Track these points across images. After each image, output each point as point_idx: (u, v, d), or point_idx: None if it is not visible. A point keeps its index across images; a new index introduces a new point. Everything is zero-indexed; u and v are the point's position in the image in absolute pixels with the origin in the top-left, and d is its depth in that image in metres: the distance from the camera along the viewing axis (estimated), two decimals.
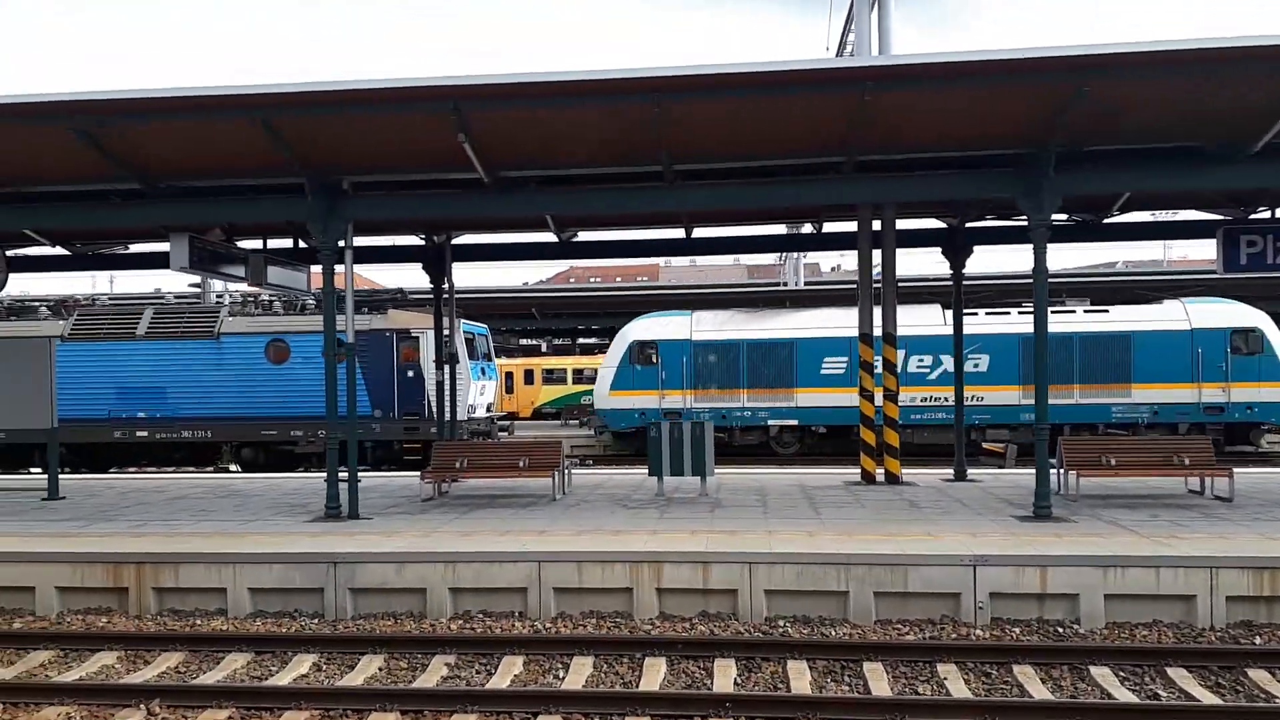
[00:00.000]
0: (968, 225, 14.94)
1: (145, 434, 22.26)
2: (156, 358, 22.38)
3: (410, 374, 21.29)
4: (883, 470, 14.76)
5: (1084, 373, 23.85)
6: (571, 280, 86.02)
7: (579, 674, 7.80)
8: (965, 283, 15.90)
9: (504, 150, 11.00)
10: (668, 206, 11.86)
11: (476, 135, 10.48)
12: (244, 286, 16.76)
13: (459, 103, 9.92)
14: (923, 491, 13.55)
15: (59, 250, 16.06)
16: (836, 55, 20.21)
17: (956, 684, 7.42)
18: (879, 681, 7.53)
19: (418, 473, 14.81)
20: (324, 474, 12.02)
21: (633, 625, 8.96)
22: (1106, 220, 14.54)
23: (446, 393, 16.20)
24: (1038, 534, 9.93)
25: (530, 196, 11.69)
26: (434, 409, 19.67)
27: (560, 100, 9.97)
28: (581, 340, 40.00)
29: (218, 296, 26.62)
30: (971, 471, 15.94)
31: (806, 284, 35.24)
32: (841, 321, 24.89)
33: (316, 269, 24.92)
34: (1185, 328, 23.88)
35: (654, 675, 7.73)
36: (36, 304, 24.53)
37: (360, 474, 17.73)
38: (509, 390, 37.24)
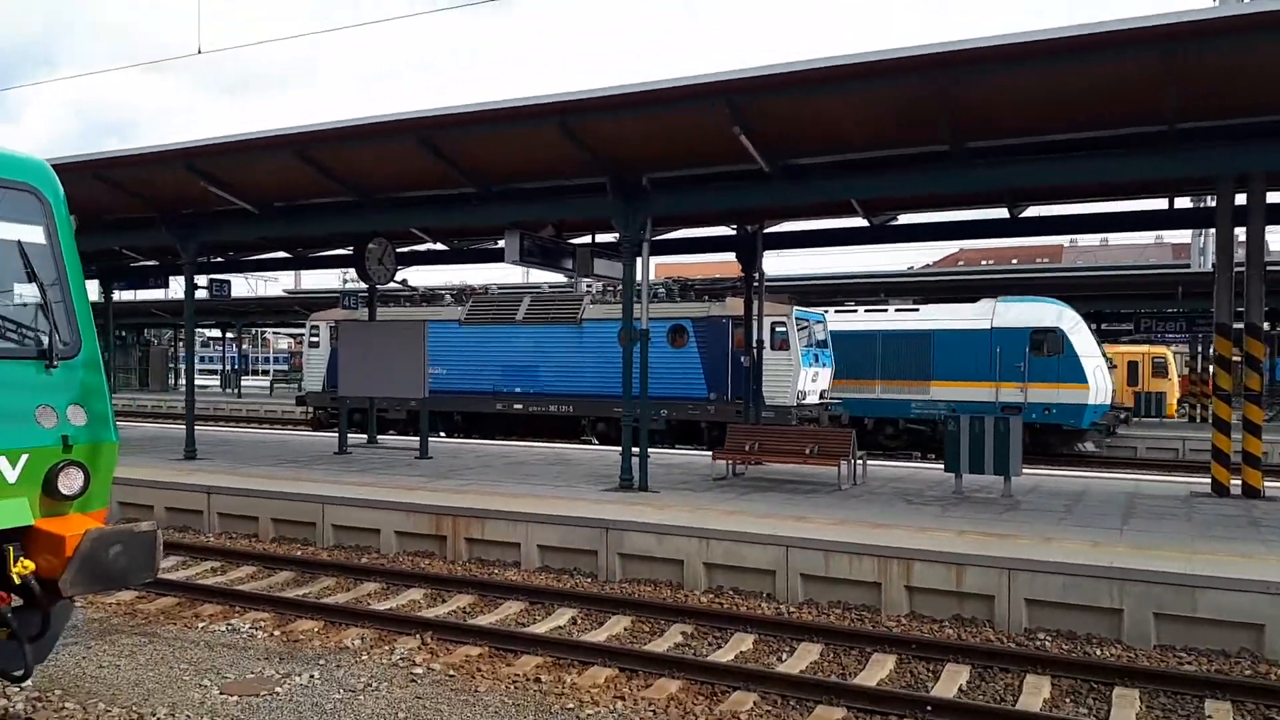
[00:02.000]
0: None
1: (520, 407, 25.16)
2: (531, 340, 25.24)
3: (743, 359, 21.92)
4: (1239, 481, 12.83)
5: (886, 369, 24.91)
6: (960, 263, 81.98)
7: (801, 659, 7.86)
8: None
9: (780, 139, 11.14)
10: (958, 188, 11.30)
11: (752, 126, 10.72)
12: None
13: (730, 97, 10.23)
14: None
15: (439, 246, 18.84)
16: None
17: None
18: (1126, 709, 6.78)
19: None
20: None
21: (877, 620, 8.79)
22: None
23: (750, 377, 16.61)
24: None
25: (813, 182, 11.71)
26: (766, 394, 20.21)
27: (831, 86, 9.89)
28: None
29: (587, 287, 29.19)
30: None
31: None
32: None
33: (663, 259, 26.38)
34: (986, 327, 23.94)
35: (876, 671, 7.58)
36: (443, 292, 28.57)
37: (679, 451, 18.85)
38: None
